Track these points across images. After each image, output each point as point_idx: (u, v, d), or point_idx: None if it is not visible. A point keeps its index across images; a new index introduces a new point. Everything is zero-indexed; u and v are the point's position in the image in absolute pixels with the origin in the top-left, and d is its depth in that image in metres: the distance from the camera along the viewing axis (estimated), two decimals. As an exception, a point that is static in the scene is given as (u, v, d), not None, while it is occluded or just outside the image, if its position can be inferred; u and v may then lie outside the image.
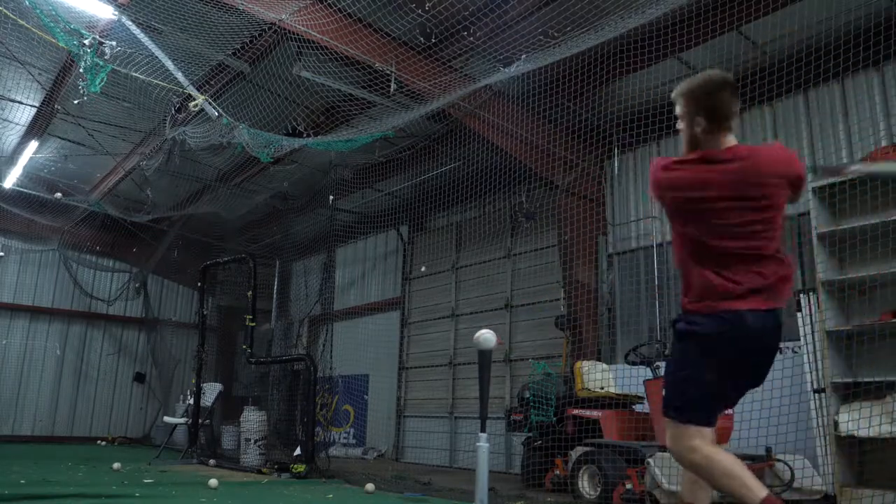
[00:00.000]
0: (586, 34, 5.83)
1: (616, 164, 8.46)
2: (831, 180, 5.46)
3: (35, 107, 9.03)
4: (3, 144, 10.15)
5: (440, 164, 9.19)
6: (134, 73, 6.62)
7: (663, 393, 2.59)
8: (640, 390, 6.22)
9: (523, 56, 6.25)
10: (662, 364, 6.01)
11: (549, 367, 7.66)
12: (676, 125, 2.68)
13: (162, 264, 14.21)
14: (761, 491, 2.31)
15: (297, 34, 6.53)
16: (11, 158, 10.22)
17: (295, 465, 7.53)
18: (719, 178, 2.47)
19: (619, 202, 8.53)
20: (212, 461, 8.80)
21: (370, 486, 6.30)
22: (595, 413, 6.27)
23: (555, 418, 6.81)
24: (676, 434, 2.51)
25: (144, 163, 9.57)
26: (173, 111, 7.81)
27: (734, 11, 5.91)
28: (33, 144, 9.68)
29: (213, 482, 5.98)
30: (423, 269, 11.23)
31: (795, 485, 4.91)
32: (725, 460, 2.40)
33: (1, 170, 10.53)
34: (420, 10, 6.31)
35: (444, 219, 11.18)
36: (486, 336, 3.75)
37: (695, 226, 2.53)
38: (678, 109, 2.65)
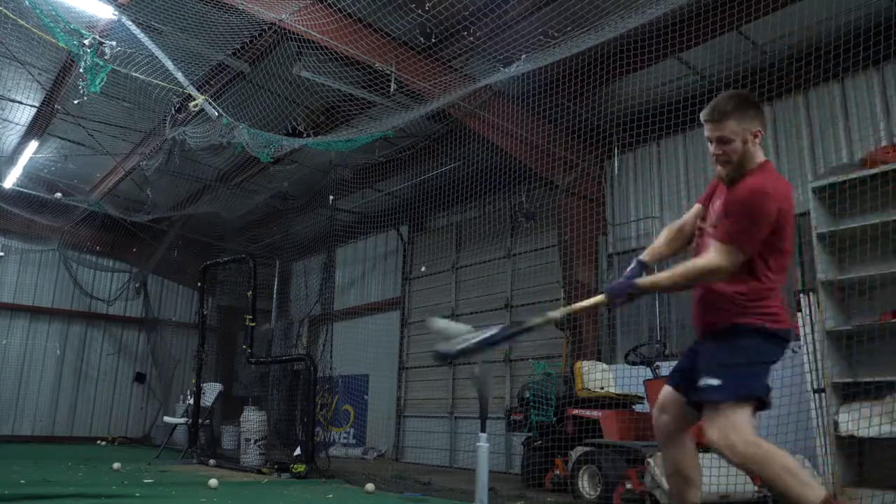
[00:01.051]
0: (586, 34, 5.83)
1: (616, 164, 8.46)
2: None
3: (35, 107, 9.03)
4: (3, 144, 10.16)
5: (440, 164, 9.19)
6: (134, 73, 6.62)
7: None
8: (640, 390, 6.22)
9: (523, 56, 6.24)
10: (662, 364, 6.02)
11: (549, 367, 7.66)
12: (727, 145, 2.61)
13: (162, 264, 14.21)
14: (821, 490, 2.41)
15: (297, 34, 6.53)
16: (11, 158, 10.22)
17: (295, 465, 7.53)
18: None
19: (619, 202, 8.53)
20: (212, 461, 8.80)
21: (370, 486, 6.30)
22: (595, 413, 6.27)
23: (555, 418, 6.81)
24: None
25: (144, 163, 9.57)
26: (173, 111, 7.81)
27: (734, 11, 5.90)
28: (33, 144, 9.68)
29: (213, 482, 5.98)
30: (423, 268, 11.22)
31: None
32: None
33: (1, 170, 10.53)
34: (420, 10, 6.30)
35: (444, 219, 11.18)
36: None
37: None
38: (733, 126, 2.59)
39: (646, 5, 5.52)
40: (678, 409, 2.77)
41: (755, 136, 2.61)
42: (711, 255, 2.58)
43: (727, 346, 2.61)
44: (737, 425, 2.45)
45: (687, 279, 2.64)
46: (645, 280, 2.70)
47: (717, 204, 2.72)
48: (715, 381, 2.53)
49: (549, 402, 6.88)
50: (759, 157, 2.66)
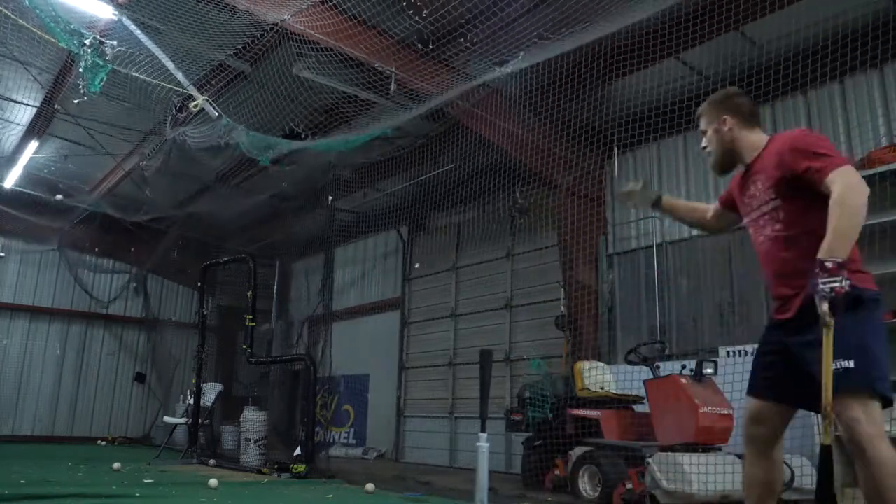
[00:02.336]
0: (585, 29, 5.79)
1: (616, 165, 8.46)
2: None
3: (35, 107, 9.03)
4: (4, 144, 10.15)
5: (440, 165, 9.19)
6: (134, 73, 6.61)
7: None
8: (640, 390, 6.21)
9: (521, 54, 6.21)
10: (662, 364, 6.02)
11: (547, 365, 7.67)
12: (704, 136, 2.86)
13: (162, 264, 14.21)
14: None
15: (298, 35, 6.52)
16: (11, 158, 10.22)
17: (295, 465, 7.53)
18: None
19: (619, 202, 8.53)
20: (212, 461, 8.80)
21: (370, 486, 6.30)
22: (595, 413, 6.27)
23: (551, 414, 6.82)
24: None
25: (144, 163, 9.57)
26: (174, 110, 7.80)
27: (734, 11, 5.90)
28: (33, 144, 9.68)
29: (213, 482, 5.98)
30: (416, 265, 11.22)
31: (795, 485, 4.91)
32: None
33: (1, 170, 10.53)
34: (417, 17, 6.28)
35: (444, 219, 11.18)
36: None
37: None
38: (704, 121, 2.86)
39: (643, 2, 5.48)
40: (779, 418, 2.52)
41: (723, 123, 2.72)
42: (844, 180, 2.23)
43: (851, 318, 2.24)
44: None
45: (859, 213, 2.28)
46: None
47: (758, 184, 2.60)
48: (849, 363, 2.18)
49: (545, 399, 6.88)
50: (761, 136, 2.70)
